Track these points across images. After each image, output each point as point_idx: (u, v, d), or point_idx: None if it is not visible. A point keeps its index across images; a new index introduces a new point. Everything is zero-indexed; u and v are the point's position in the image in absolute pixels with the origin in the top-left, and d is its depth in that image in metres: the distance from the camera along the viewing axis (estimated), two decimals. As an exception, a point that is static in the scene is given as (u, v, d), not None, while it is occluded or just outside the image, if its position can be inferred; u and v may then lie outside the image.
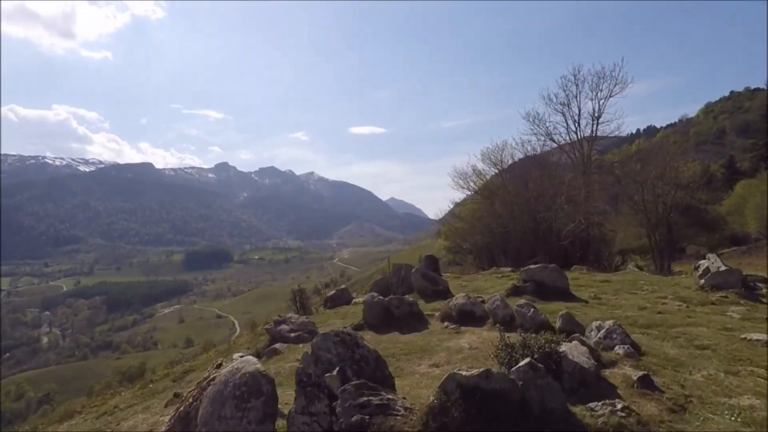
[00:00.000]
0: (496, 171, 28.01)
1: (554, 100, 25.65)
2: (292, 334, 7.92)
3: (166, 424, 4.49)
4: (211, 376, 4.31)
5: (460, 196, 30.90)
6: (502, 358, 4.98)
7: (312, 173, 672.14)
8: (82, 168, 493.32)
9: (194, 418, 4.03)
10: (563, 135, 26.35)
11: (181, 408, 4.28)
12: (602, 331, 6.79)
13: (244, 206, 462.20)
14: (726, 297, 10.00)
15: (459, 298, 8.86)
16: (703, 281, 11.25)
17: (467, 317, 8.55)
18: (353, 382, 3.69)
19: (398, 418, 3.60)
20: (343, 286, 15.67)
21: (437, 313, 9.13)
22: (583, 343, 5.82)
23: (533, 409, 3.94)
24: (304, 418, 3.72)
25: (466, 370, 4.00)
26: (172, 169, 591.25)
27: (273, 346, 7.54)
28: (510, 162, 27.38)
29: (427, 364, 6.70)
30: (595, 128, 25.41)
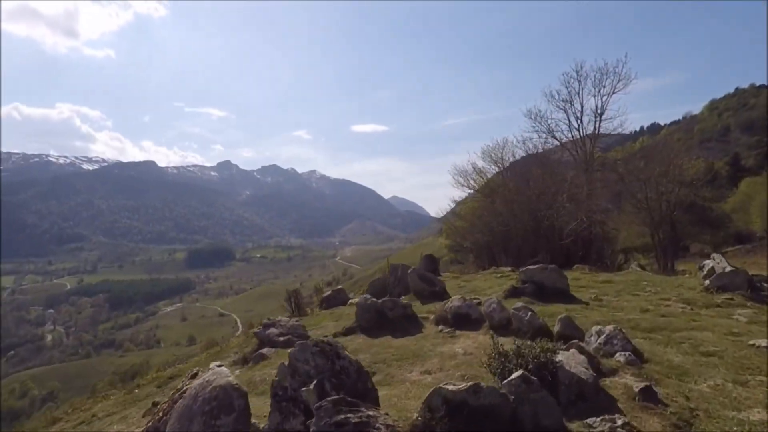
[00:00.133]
0: (497, 169, 27.66)
1: (556, 96, 25.26)
2: (281, 338, 7.66)
3: (138, 437, 4.23)
4: (184, 388, 4.04)
5: (460, 194, 30.59)
6: (495, 368, 4.69)
7: (314, 171, 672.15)
8: (85, 166, 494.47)
9: (164, 433, 3.77)
10: (565, 132, 25.97)
11: (150, 423, 4.02)
12: (602, 337, 6.49)
13: (247, 204, 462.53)
14: (732, 299, 9.67)
15: (454, 301, 8.57)
16: (707, 282, 10.91)
17: (463, 320, 8.26)
18: (330, 398, 3.41)
19: (379, 437, 3.32)
20: (339, 287, 15.42)
21: (432, 316, 8.84)
22: (581, 350, 5.52)
23: (526, 427, 3.65)
24: (279, 436, 3.45)
25: (453, 384, 3.71)
26: (174, 167, 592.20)
27: (260, 351, 7.28)
28: (511, 160, 27.04)
29: (419, 371, 6.42)
30: (597, 125, 25.01)
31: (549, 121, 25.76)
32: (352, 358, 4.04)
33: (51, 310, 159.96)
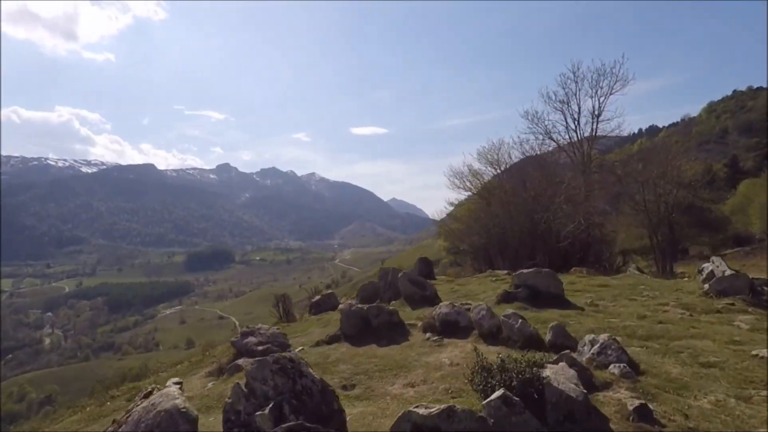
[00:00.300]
0: (493, 170, 27.32)
1: (553, 98, 24.96)
2: (260, 347, 7.28)
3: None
4: (132, 411, 3.68)
5: (456, 196, 30.21)
6: (477, 384, 4.33)
7: (313, 173, 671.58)
8: (84, 169, 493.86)
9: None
10: (562, 134, 25.67)
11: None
12: (596, 346, 6.12)
13: (246, 207, 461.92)
14: (732, 304, 9.30)
15: (442, 307, 8.20)
16: (707, 286, 10.55)
17: (451, 328, 7.89)
18: (286, 425, 3.04)
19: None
20: (330, 291, 15.04)
21: (420, 323, 8.47)
22: (572, 363, 5.15)
23: (506, 454, 3.28)
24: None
25: (425, 407, 3.34)
26: (173, 169, 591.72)
27: (236, 362, 6.91)
28: (507, 161, 26.68)
29: (402, 384, 6.05)
30: (595, 126, 24.72)
31: (546, 123, 25.46)
32: (316, 377, 3.67)
33: (49, 314, 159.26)
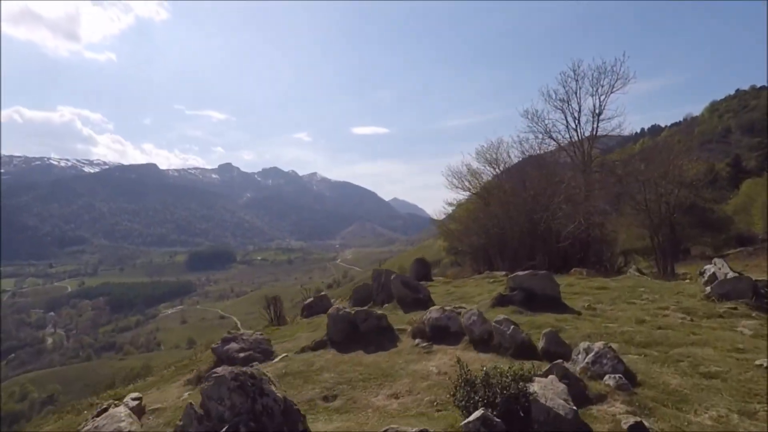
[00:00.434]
0: (492, 170, 26.98)
1: (553, 96, 24.61)
2: (241, 354, 6.98)
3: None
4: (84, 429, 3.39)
5: (455, 196, 29.88)
6: (459, 399, 4.02)
7: (315, 174, 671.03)
8: (86, 169, 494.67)
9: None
10: (562, 133, 25.31)
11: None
12: (591, 355, 5.81)
13: (247, 207, 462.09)
14: (735, 308, 8.97)
15: (433, 311, 7.89)
16: (709, 289, 10.21)
17: (441, 333, 7.58)
18: (239, 450, 2.75)
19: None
20: (322, 293, 14.75)
21: (410, 328, 8.16)
22: (564, 374, 4.84)
23: (484, 482, 2.97)
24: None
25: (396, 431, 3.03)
26: (175, 169, 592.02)
27: (215, 370, 6.60)
28: (506, 160, 26.33)
29: (386, 394, 5.75)
30: (595, 125, 24.37)
31: (546, 121, 25.12)
32: (279, 395, 3.37)
33: (51, 313, 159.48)
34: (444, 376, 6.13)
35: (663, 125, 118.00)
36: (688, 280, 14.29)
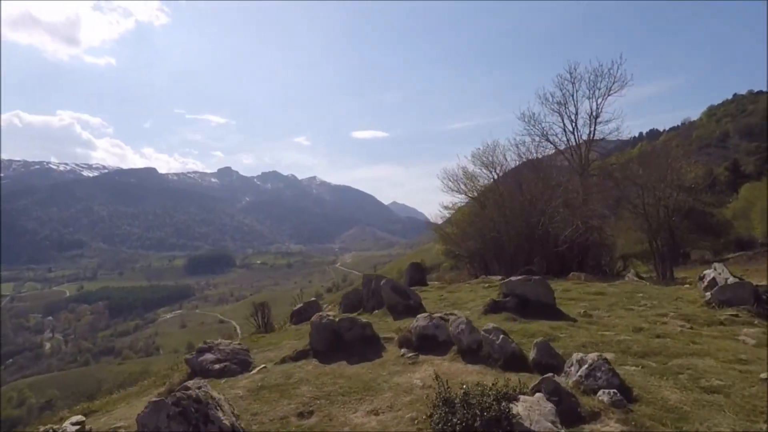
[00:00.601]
0: (488, 173, 26.66)
1: (550, 99, 24.39)
2: (216, 366, 6.62)
3: None
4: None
5: (451, 199, 29.52)
6: (436, 422, 3.66)
7: (314, 177, 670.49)
8: (85, 173, 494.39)
9: None
10: (559, 136, 25.07)
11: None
12: (584, 367, 5.45)
13: (247, 210, 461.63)
14: (736, 315, 8.63)
15: (420, 319, 7.53)
16: (709, 295, 9.87)
17: (428, 343, 7.22)
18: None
19: None
20: (312, 299, 14.40)
21: (397, 337, 7.80)
22: (555, 389, 4.48)
23: None
24: None
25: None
26: (175, 173, 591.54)
27: (186, 384, 6.24)
28: (502, 163, 26.00)
29: (365, 410, 5.38)
30: (593, 129, 24.14)
31: (543, 124, 24.89)
32: (226, 423, 3.02)
33: (50, 318, 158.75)
34: (428, 389, 5.75)
35: (661, 129, 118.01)
36: (687, 285, 13.94)
